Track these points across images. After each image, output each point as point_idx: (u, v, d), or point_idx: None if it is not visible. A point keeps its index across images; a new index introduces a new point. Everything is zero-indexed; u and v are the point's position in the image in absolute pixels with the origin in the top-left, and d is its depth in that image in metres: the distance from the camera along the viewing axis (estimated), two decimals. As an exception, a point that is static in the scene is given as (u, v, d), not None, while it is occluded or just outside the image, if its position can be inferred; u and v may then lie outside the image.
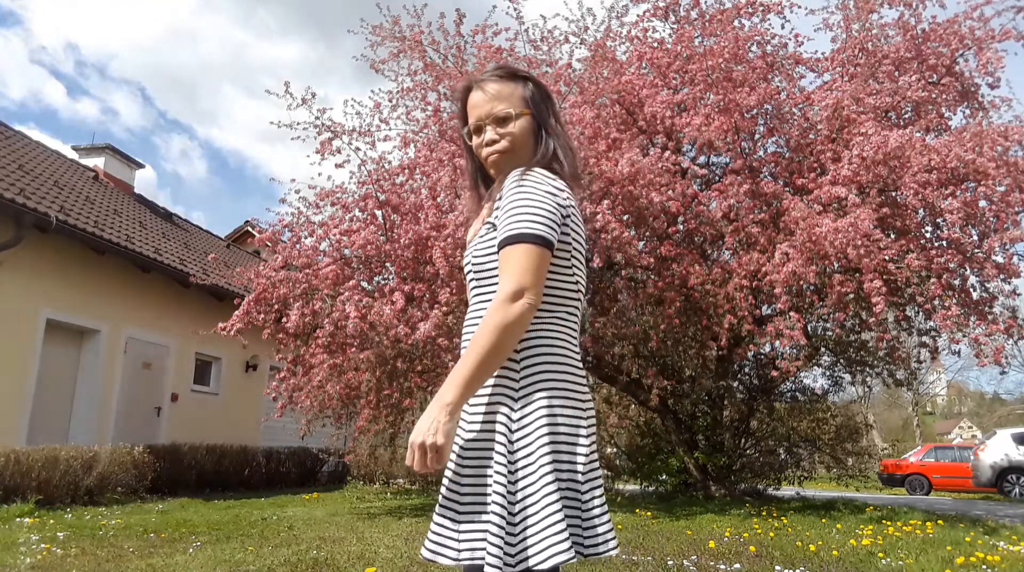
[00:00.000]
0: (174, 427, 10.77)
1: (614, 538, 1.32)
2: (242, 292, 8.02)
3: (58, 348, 9.21)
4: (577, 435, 1.34)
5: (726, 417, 9.44)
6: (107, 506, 7.36)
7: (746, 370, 9.98)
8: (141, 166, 14.67)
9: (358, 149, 7.20)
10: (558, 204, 1.38)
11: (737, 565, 4.18)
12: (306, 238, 7.26)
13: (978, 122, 7.38)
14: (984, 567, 4.20)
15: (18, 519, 5.96)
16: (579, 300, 1.46)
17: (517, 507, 1.26)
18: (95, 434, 9.31)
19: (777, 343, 6.94)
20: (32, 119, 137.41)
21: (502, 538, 1.22)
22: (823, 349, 9.51)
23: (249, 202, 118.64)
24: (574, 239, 1.43)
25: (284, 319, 6.78)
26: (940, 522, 6.51)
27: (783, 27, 8.77)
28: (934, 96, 7.76)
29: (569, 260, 1.42)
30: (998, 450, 15.43)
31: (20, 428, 8.34)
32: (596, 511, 1.31)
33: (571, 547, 1.21)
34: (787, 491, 10.22)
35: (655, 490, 9.80)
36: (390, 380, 7.41)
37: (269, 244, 7.36)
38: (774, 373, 7.54)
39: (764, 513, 7.03)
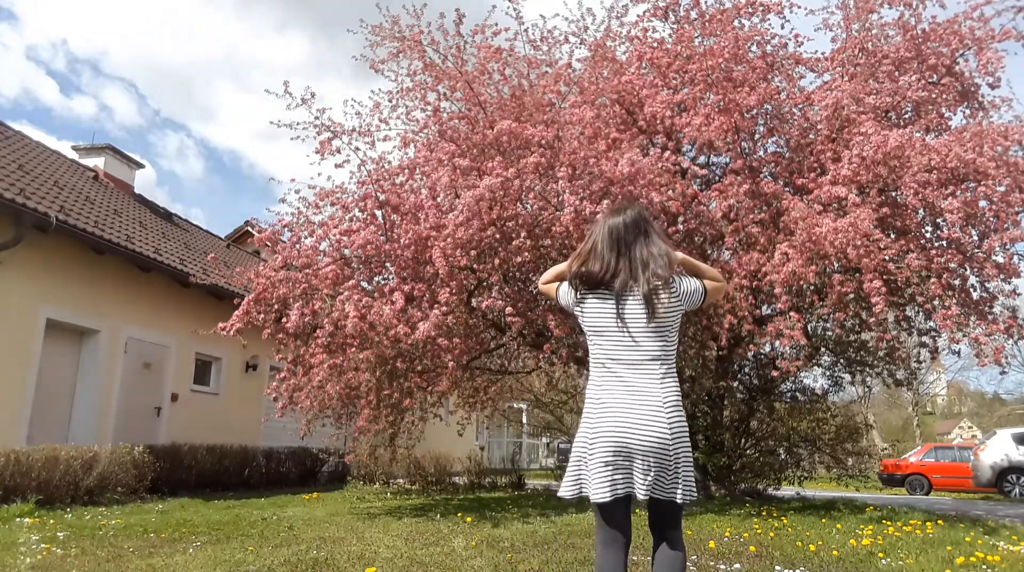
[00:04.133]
0: (174, 427, 10.76)
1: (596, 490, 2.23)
2: (242, 292, 8.01)
3: (58, 348, 9.21)
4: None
5: (726, 417, 9.44)
6: (107, 506, 7.36)
7: (746, 370, 9.98)
8: (141, 166, 14.65)
9: (358, 149, 7.20)
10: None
11: (737, 565, 4.18)
12: (306, 238, 7.25)
13: (978, 122, 7.38)
14: (984, 567, 4.20)
15: (18, 519, 5.96)
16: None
17: None
18: (95, 434, 9.30)
19: (777, 343, 6.94)
20: (25, 117, 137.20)
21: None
22: (823, 349, 9.51)
23: (246, 200, 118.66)
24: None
25: (284, 319, 6.78)
26: (940, 522, 6.51)
27: (783, 27, 8.77)
28: (934, 96, 7.76)
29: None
30: (998, 450, 15.43)
31: (20, 428, 8.33)
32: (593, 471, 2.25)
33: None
34: (787, 491, 10.22)
35: (655, 490, 9.78)
36: (390, 380, 7.40)
37: (269, 244, 7.35)
38: (774, 373, 7.54)
39: (764, 513, 7.02)
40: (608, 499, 2.21)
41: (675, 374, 2.32)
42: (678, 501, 2.26)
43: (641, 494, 2.22)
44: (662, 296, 2.29)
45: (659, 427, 2.21)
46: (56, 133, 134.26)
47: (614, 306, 2.31)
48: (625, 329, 2.29)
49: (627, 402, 2.24)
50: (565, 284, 2.47)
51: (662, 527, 2.32)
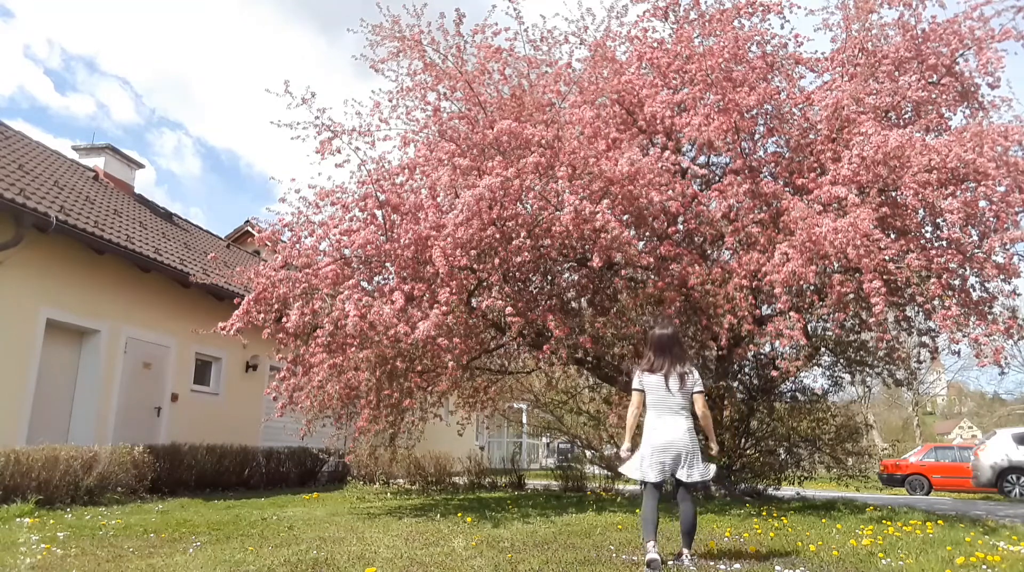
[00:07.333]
0: (174, 427, 10.76)
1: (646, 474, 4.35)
2: (242, 292, 8.01)
3: (58, 348, 9.21)
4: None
5: (726, 417, 9.43)
6: (107, 506, 7.35)
7: (746, 370, 9.97)
8: (141, 166, 14.65)
9: (358, 149, 7.19)
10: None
11: (737, 565, 4.18)
12: (306, 238, 7.25)
13: (978, 122, 7.37)
14: (984, 567, 4.20)
15: (18, 519, 5.96)
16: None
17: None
18: (95, 434, 9.30)
19: (777, 343, 6.94)
20: (21, 115, 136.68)
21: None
22: (823, 349, 9.50)
23: (245, 199, 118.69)
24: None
25: (284, 319, 6.77)
26: (940, 522, 6.51)
27: (783, 27, 8.73)
28: (934, 96, 7.76)
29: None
30: (998, 450, 15.42)
31: (20, 428, 8.33)
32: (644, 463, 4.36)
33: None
34: (787, 491, 10.21)
35: (655, 490, 9.79)
36: (390, 380, 7.40)
37: (269, 244, 7.35)
38: (774, 373, 7.54)
39: (764, 513, 7.02)
40: (656, 479, 4.24)
41: (691, 415, 4.37)
42: (699, 479, 4.26)
43: (677, 476, 4.22)
44: (689, 374, 4.39)
45: (682, 440, 4.26)
46: (53, 131, 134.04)
47: (663, 381, 4.35)
48: (668, 392, 4.33)
49: (666, 427, 4.30)
50: (635, 374, 4.52)
51: (684, 495, 4.30)
